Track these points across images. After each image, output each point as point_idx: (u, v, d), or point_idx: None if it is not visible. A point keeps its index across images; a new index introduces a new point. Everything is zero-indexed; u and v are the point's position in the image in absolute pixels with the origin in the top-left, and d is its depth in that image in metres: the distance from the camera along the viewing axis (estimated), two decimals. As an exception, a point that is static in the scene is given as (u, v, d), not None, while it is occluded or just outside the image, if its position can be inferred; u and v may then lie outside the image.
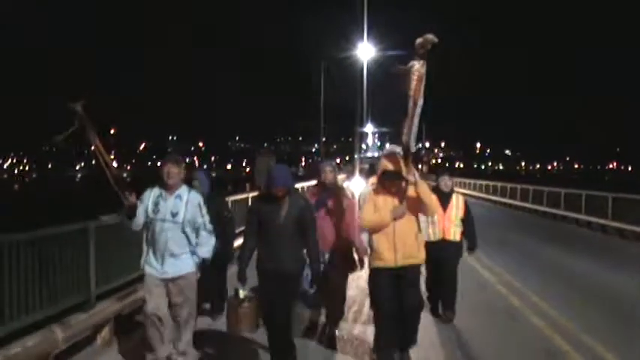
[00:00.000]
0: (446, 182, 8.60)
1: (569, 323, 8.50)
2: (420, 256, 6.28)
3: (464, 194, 8.84)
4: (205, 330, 7.78)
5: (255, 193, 15.77)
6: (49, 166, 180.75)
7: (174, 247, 6.22)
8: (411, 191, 6.11)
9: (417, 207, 6.18)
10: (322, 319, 7.73)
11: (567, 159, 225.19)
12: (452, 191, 8.67)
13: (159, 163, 6.68)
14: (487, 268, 12.70)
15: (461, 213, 8.56)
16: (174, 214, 6.21)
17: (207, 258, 6.51)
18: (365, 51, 37.63)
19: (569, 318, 8.74)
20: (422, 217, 6.90)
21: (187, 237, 6.31)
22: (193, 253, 6.35)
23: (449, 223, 8.45)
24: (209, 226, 6.46)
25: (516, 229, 23.10)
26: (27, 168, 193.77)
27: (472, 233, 8.74)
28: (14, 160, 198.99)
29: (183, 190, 6.39)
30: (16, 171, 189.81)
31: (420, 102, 5.88)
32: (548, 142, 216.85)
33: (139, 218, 6.25)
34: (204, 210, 6.44)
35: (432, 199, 6.31)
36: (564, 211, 26.20)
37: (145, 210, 6.26)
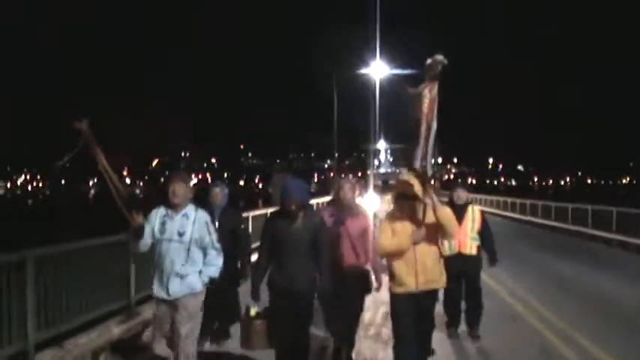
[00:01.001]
0: (459, 195, 8.39)
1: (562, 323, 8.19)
2: (442, 279, 6.09)
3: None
4: (210, 354, 7.56)
5: (268, 210, 15.79)
6: (62, 182, 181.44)
7: (180, 268, 6.05)
8: (429, 215, 5.90)
9: (436, 230, 5.97)
10: (331, 343, 7.41)
11: (579, 174, 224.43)
12: (467, 203, 8.44)
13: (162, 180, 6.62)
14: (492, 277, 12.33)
15: (477, 226, 8.28)
16: (181, 234, 6.05)
17: (215, 277, 6.30)
18: (377, 69, 37.93)
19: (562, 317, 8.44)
20: None
21: (194, 256, 6.14)
22: (201, 272, 6.17)
23: (465, 237, 8.17)
24: (217, 245, 6.26)
25: (520, 241, 23.41)
26: (40, 184, 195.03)
27: (491, 246, 8.43)
28: (28, 177, 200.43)
29: (190, 208, 6.20)
30: (29, 187, 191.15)
31: (434, 125, 5.76)
32: (559, 158, 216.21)
33: (146, 239, 6.07)
34: (212, 228, 6.27)
35: (452, 222, 6.04)
36: (572, 225, 26.83)
37: (152, 230, 6.09)
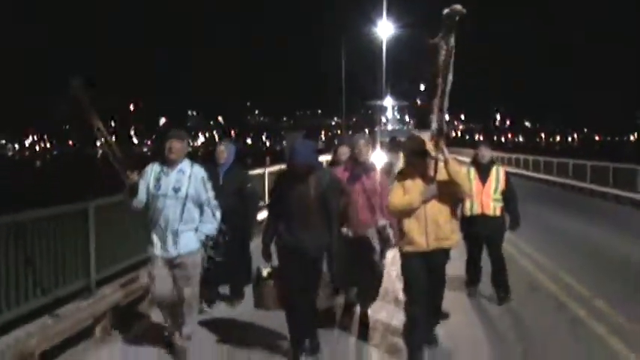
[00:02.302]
0: (483, 153, 8.07)
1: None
2: (453, 238, 5.97)
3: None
4: (222, 317, 7.46)
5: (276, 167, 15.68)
6: (70, 143, 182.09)
7: (176, 225, 5.97)
8: (442, 172, 5.78)
9: (448, 188, 5.82)
10: (342, 301, 7.32)
11: (585, 130, 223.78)
12: (492, 163, 8.16)
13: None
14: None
15: (501, 186, 8.01)
16: (176, 190, 5.97)
17: (212, 235, 6.31)
18: (384, 27, 39.74)
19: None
20: None
21: (190, 213, 6.06)
22: (197, 230, 6.11)
23: (487, 198, 7.93)
24: (214, 202, 6.20)
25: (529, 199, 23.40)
26: (48, 145, 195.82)
27: (515, 208, 8.19)
28: (35, 138, 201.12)
29: (186, 164, 6.14)
30: (37, 148, 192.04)
31: (450, 78, 5.62)
32: (568, 114, 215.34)
33: (141, 195, 6.02)
34: (209, 185, 6.19)
35: (465, 179, 5.96)
36: (573, 180, 27.75)
37: (147, 186, 6.04)
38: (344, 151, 7.61)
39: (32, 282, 6.11)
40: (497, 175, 8.00)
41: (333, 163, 7.72)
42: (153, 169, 6.11)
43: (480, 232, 7.90)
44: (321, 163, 7.35)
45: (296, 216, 5.76)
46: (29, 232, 6.10)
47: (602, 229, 15.36)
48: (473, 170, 7.96)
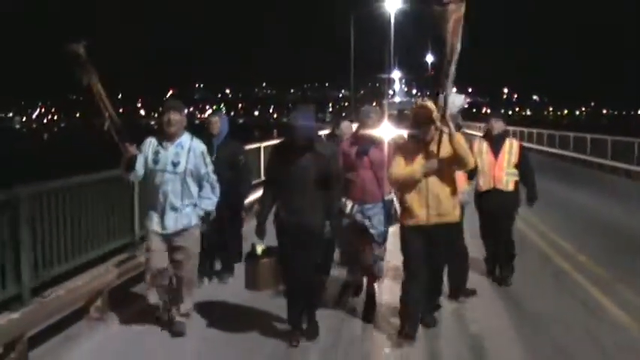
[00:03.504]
0: (495, 125, 7.78)
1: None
2: (454, 213, 5.86)
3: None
4: (214, 292, 7.33)
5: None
6: (77, 115, 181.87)
7: (175, 200, 5.85)
8: (445, 145, 5.65)
9: (451, 161, 5.70)
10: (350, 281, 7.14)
11: (592, 104, 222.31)
12: (505, 135, 7.89)
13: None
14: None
15: (515, 159, 7.69)
16: (175, 164, 5.83)
17: (211, 211, 6.14)
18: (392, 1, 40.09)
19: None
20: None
21: (189, 188, 5.94)
22: (196, 205, 5.99)
23: (500, 171, 7.63)
24: (213, 177, 6.07)
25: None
26: (55, 117, 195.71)
27: (531, 181, 7.88)
28: (42, 110, 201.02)
29: (185, 138, 5.98)
30: (45, 120, 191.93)
31: (458, 46, 5.51)
32: (575, 88, 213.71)
33: (139, 169, 5.86)
34: (208, 159, 6.07)
35: (469, 154, 5.80)
36: (573, 152, 29.14)
37: (145, 161, 5.87)
38: (346, 126, 7.51)
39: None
40: (511, 147, 7.71)
41: (331, 137, 7.59)
42: (151, 142, 5.95)
43: (491, 207, 7.60)
44: (320, 136, 7.20)
45: (296, 190, 5.58)
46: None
47: (590, 195, 16.59)
48: (485, 144, 7.68)
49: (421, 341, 5.88)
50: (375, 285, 6.86)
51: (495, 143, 7.67)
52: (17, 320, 5.16)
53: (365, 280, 6.86)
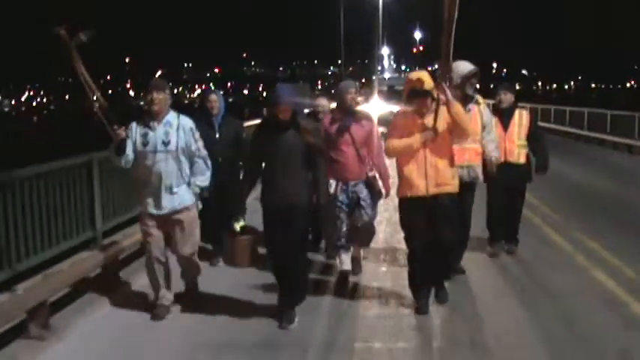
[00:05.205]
0: (504, 97, 7.71)
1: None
2: (454, 183, 5.83)
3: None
4: (206, 273, 7.13)
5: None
6: (67, 97, 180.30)
7: (169, 180, 5.81)
8: (443, 114, 5.63)
9: (450, 130, 5.69)
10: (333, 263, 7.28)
11: (580, 78, 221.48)
12: (514, 106, 7.76)
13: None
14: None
15: (525, 131, 7.61)
16: (166, 143, 5.79)
17: (205, 187, 6.13)
18: None
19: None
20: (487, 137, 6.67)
21: (182, 166, 5.92)
22: (189, 183, 5.98)
23: (511, 144, 7.55)
24: (204, 152, 6.05)
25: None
26: (44, 100, 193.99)
27: (543, 151, 7.83)
28: (31, 93, 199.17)
29: (172, 115, 5.95)
30: (34, 103, 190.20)
31: (455, 15, 5.43)
32: (565, 62, 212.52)
33: (128, 154, 5.81)
34: (197, 135, 6.04)
35: (467, 121, 5.76)
36: (554, 124, 31.03)
37: (133, 144, 5.84)
38: (322, 103, 7.53)
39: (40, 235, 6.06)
40: (521, 119, 7.62)
41: (310, 115, 7.62)
42: (136, 127, 5.92)
43: (502, 181, 7.43)
44: (303, 113, 7.22)
45: (279, 167, 5.57)
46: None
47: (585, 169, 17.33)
48: (494, 117, 7.45)
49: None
50: (362, 251, 7.07)
51: (505, 115, 7.61)
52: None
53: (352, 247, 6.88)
